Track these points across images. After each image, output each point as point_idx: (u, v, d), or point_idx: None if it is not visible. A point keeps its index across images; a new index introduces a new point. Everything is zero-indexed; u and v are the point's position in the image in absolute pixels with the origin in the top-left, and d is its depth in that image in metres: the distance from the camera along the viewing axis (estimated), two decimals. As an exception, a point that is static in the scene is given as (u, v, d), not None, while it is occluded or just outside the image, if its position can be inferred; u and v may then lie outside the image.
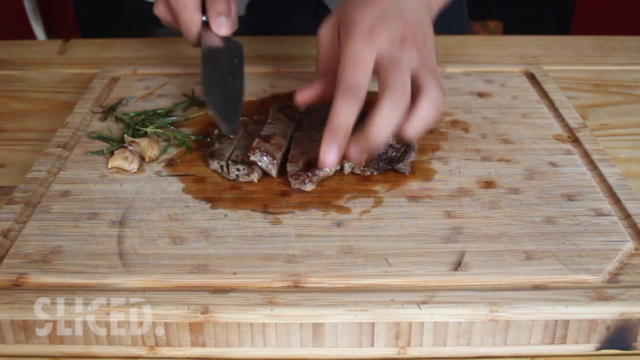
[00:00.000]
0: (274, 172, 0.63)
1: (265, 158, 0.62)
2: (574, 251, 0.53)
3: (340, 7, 0.62)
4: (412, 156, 0.64)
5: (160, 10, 0.73)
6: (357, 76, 0.56)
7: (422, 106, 0.56)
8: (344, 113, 0.56)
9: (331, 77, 0.60)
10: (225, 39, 0.71)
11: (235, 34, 0.73)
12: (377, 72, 0.57)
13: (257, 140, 0.64)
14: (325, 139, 0.56)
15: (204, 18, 0.71)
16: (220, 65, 0.70)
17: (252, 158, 0.62)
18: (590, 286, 0.50)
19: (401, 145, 0.64)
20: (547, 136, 0.70)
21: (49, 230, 0.56)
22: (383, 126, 0.55)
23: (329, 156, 0.56)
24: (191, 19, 0.71)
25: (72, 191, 0.61)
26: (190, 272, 0.51)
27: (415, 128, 0.56)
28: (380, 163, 0.63)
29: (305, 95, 0.63)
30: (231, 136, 0.65)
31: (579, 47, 1.00)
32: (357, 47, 0.57)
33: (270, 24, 1.06)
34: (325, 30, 0.62)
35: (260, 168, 0.63)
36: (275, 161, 0.63)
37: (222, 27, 0.70)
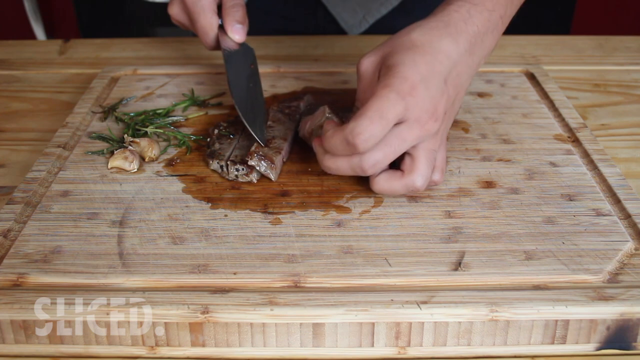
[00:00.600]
0: (272, 176, 0.62)
1: (263, 162, 0.62)
2: (574, 251, 0.53)
3: (389, 43, 0.58)
4: None
5: (174, 11, 0.74)
6: (371, 130, 0.53)
7: (397, 183, 0.57)
8: (333, 157, 0.57)
9: None
10: (240, 43, 0.73)
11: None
12: None
13: (255, 144, 0.64)
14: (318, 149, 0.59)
15: (219, 22, 0.72)
16: (244, 71, 0.71)
17: (251, 163, 0.62)
18: (590, 286, 0.50)
19: None
20: (547, 136, 0.70)
21: (49, 230, 0.56)
22: (334, 166, 0.57)
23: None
24: (209, 23, 0.72)
25: (72, 191, 0.61)
26: (190, 272, 0.51)
27: (378, 189, 0.58)
28: None
29: None
30: (262, 145, 0.64)
31: (579, 47, 1.00)
32: (390, 102, 0.53)
33: (270, 22, 1.06)
34: (368, 63, 0.59)
35: (259, 172, 0.63)
36: (273, 165, 0.62)
37: (238, 34, 0.72)
